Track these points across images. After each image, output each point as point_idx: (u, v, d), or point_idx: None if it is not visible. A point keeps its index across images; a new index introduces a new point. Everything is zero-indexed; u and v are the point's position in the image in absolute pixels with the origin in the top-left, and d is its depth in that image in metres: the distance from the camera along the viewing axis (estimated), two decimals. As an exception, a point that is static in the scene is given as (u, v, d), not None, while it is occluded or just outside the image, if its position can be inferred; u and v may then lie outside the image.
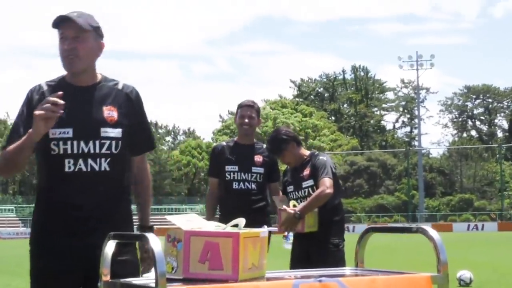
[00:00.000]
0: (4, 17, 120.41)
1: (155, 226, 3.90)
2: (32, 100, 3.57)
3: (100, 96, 3.61)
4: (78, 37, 3.51)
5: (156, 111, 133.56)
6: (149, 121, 3.86)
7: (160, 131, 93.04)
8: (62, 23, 3.49)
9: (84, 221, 3.54)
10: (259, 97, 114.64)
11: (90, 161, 3.53)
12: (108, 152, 3.56)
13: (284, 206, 5.74)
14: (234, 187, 6.29)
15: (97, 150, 3.54)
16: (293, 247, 6.05)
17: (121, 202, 3.69)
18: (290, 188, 5.95)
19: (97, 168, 3.54)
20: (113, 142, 3.57)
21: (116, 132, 3.58)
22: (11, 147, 3.46)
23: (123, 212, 3.71)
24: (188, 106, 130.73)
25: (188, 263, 3.10)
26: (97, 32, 3.62)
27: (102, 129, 3.55)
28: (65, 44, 3.52)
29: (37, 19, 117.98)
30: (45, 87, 3.61)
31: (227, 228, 3.21)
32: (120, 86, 3.70)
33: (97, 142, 3.53)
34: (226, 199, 6.34)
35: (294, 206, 5.75)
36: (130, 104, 3.68)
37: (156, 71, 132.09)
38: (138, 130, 3.72)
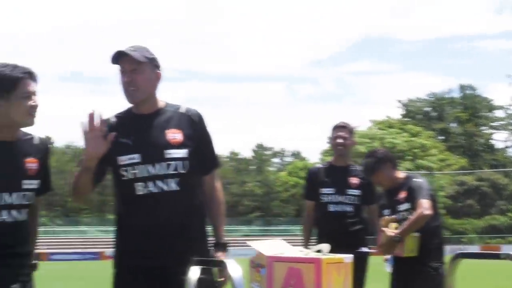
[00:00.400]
0: (110, 47, 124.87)
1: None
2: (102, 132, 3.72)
3: (163, 121, 3.78)
4: (136, 70, 3.72)
5: (263, 133, 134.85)
6: (213, 140, 3.97)
7: (267, 152, 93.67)
8: (120, 57, 3.72)
9: (158, 241, 3.69)
10: (365, 117, 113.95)
11: (159, 182, 3.68)
12: (176, 172, 3.70)
13: (384, 228, 5.63)
14: (330, 209, 6.25)
15: (165, 171, 3.69)
16: (392, 270, 5.93)
17: (193, 220, 3.81)
18: (386, 212, 5.83)
19: (166, 188, 3.68)
20: (179, 163, 3.72)
21: (182, 153, 3.73)
22: (77, 172, 3.70)
23: (196, 230, 3.83)
24: (294, 127, 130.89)
25: (271, 289, 3.10)
26: (153, 63, 3.80)
27: (166, 151, 3.70)
28: (124, 77, 3.74)
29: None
30: (113, 119, 3.83)
31: (310, 253, 3.18)
32: (183, 110, 3.86)
33: (164, 164, 3.69)
34: (322, 222, 6.30)
35: (396, 228, 5.63)
36: (194, 125, 3.84)
37: (264, 93, 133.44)
38: (204, 150, 3.87)
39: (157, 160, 3.69)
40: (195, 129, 3.83)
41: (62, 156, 79.52)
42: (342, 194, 6.24)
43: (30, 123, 3.63)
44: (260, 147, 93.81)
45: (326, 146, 63.14)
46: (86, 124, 3.58)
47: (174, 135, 3.75)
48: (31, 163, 3.65)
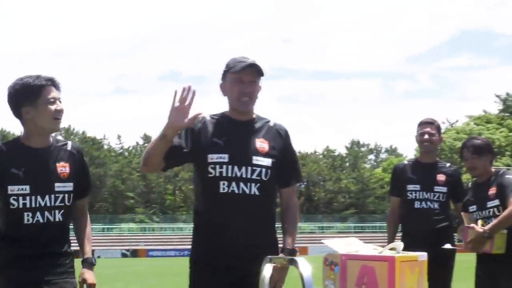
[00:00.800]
0: (209, 46, 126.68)
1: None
2: (195, 126, 3.95)
3: (255, 130, 4.03)
4: (253, 82, 3.99)
5: (358, 130, 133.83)
6: (297, 154, 4.25)
7: (362, 149, 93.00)
8: (246, 68, 3.94)
9: (235, 240, 3.88)
10: (463, 113, 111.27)
11: (242, 184, 3.89)
12: (259, 178, 3.92)
13: (473, 224, 5.50)
14: (416, 206, 6.18)
15: (249, 175, 3.90)
16: (477, 268, 5.78)
17: (267, 225, 4.03)
18: (473, 208, 5.69)
19: (247, 191, 3.89)
20: (263, 170, 3.94)
21: (266, 162, 3.96)
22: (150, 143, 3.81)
23: (269, 234, 4.05)
24: (390, 124, 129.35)
25: (345, 286, 3.10)
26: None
27: (254, 158, 3.94)
28: (244, 87, 3.96)
29: (239, 46, 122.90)
30: (208, 118, 4.03)
31: (384, 251, 3.16)
32: (271, 124, 4.11)
33: (249, 168, 3.91)
34: (407, 219, 6.24)
35: (482, 225, 5.50)
36: (280, 139, 4.08)
37: (359, 90, 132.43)
38: (287, 164, 4.08)
39: (245, 163, 3.91)
40: (280, 142, 4.06)
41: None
42: (428, 191, 6.16)
43: (56, 127, 3.91)
44: (355, 143, 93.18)
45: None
46: (178, 95, 3.70)
47: (262, 144, 3.98)
48: (63, 167, 3.92)
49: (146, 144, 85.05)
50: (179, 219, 74.37)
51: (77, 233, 4.22)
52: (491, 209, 5.54)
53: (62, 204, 3.91)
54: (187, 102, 3.69)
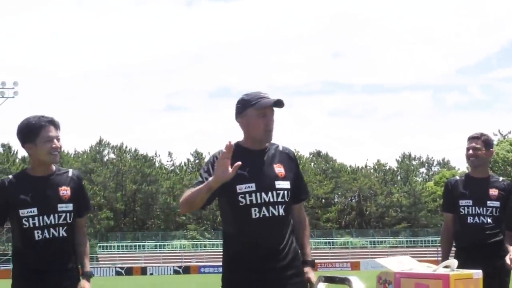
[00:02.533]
0: (259, 61, 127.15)
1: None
2: (215, 162, 4.21)
3: (270, 157, 4.41)
4: (273, 115, 4.37)
5: (409, 143, 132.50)
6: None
7: (414, 162, 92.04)
8: (274, 104, 4.31)
9: (268, 258, 4.21)
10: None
11: (270, 208, 4.27)
12: (283, 200, 4.32)
13: None
14: (468, 221, 6.11)
15: (275, 199, 4.30)
16: None
17: (292, 241, 4.37)
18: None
19: (276, 213, 4.28)
20: (286, 192, 4.34)
21: (286, 184, 4.36)
22: (193, 189, 4.15)
23: (295, 249, 4.37)
24: (441, 137, 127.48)
25: (399, 305, 3.08)
26: None
27: (277, 182, 4.33)
28: (268, 121, 4.33)
29: (290, 61, 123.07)
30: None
31: (438, 269, 3.14)
32: (280, 148, 4.49)
33: (274, 193, 4.30)
34: (461, 234, 6.17)
35: None
36: (291, 162, 4.48)
37: (409, 102, 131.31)
38: (298, 183, 4.48)
39: (270, 189, 4.28)
40: (292, 165, 4.47)
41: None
42: (481, 205, 6.09)
43: (53, 161, 4.61)
44: (407, 157, 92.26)
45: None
46: (224, 152, 3.99)
47: (280, 169, 4.36)
48: (65, 191, 4.65)
49: (197, 161, 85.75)
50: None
51: (76, 249, 4.78)
52: None
53: (65, 221, 4.62)
54: (229, 156, 3.97)
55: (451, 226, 6.27)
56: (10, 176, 4.71)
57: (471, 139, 6.21)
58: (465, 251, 6.01)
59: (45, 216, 4.55)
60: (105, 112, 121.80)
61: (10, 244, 64.12)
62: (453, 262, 3.16)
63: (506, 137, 70.15)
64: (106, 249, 68.39)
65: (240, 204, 4.24)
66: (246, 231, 4.24)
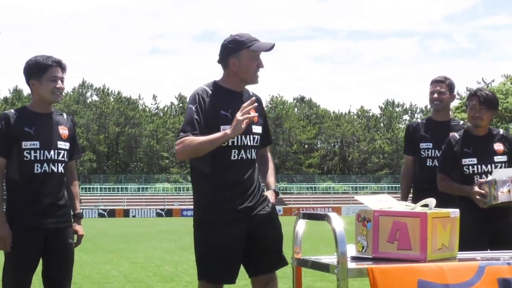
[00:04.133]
0: (246, 5, 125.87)
1: None
2: (204, 101, 4.34)
3: (246, 100, 4.37)
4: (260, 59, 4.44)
5: (393, 90, 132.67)
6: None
7: (397, 109, 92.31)
8: (269, 49, 4.37)
9: (242, 198, 4.36)
10: (499, 72, 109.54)
11: (248, 151, 4.38)
12: (256, 144, 4.46)
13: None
14: (428, 164, 6.14)
15: (251, 143, 4.41)
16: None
17: (260, 183, 4.55)
18: (471, 161, 5.49)
19: (250, 157, 4.41)
20: (259, 137, 4.48)
21: (259, 129, 4.49)
22: (203, 139, 4.22)
23: (262, 190, 4.56)
24: (426, 84, 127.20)
25: (377, 242, 3.14)
26: None
27: (253, 127, 4.42)
28: (259, 63, 4.41)
29: (276, 5, 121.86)
30: (209, 91, 4.40)
31: (416, 208, 3.19)
32: (251, 93, 4.55)
33: (251, 137, 4.41)
34: (419, 176, 6.21)
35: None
36: (261, 107, 4.56)
37: (394, 49, 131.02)
38: (266, 128, 4.62)
39: (248, 133, 4.36)
40: (261, 110, 4.55)
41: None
42: (440, 149, 6.12)
43: (54, 100, 4.72)
44: (390, 104, 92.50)
45: (456, 102, 61.43)
46: (246, 109, 4.22)
47: (254, 113, 4.34)
48: (64, 130, 4.79)
49: (181, 105, 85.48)
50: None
51: (68, 191, 4.90)
52: (499, 164, 5.43)
53: (63, 159, 4.75)
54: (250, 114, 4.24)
55: (411, 169, 6.30)
56: (12, 110, 4.78)
57: (435, 82, 6.19)
58: (423, 193, 5.97)
59: (46, 151, 4.64)
60: (89, 53, 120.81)
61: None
62: (431, 201, 3.21)
63: (489, 85, 70.30)
64: (89, 191, 68.56)
65: (223, 145, 4.27)
66: (224, 172, 4.32)
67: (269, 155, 4.75)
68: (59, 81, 4.67)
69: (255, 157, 4.45)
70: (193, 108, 4.32)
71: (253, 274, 4.48)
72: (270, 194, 4.53)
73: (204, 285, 4.37)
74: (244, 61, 4.36)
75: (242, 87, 4.48)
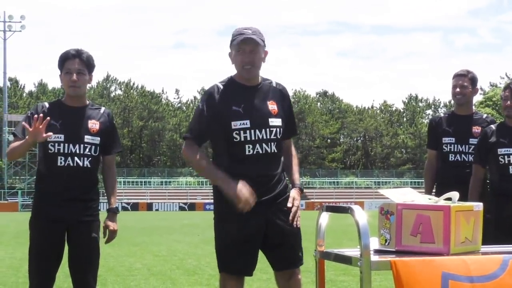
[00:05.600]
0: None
1: None
2: (212, 99, 4.38)
3: (264, 93, 4.44)
4: (253, 51, 4.34)
5: (417, 85, 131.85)
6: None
7: (420, 104, 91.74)
8: (243, 41, 4.31)
9: (261, 189, 4.32)
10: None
11: (264, 145, 4.35)
12: (275, 137, 4.39)
13: None
14: (450, 159, 6.12)
15: (268, 136, 4.36)
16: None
17: (283, 177, 4.50)
18: (507, 150, 5.53)
19: (269, 150, 4.36)
20: (278, 130, 4.41)
21: (279, 122, 4.41)
22: (208, 170, 4.45)
23: (285, 185, 4.53)
24: (449, 78, 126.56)
25: (400, 235, 3.14)
26: (264, 44, 4.41)
27: (270, 120, 4.37)
28: (244, 57, 4.33)
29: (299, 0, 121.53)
30: (220, 87, 4.43)
31: (440, 201, 3.19)
32: (274, 84, 4.51)
33: (268, 130, 4.36)
34: (442, 171, 6.18)
35: None
36: (284, 99, 4.52)
37: (418, 44, 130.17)
38: (290, 119, 4.55)
39: (263, 126, 4.34)
40: (285, 102, 4.51)
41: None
42: (463, 143, 6.08)
43: (71, 93, 4.72)
44: (413, 98, 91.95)
45: (480, 97, 60.98)
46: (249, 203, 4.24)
47: (273, 106, 4.40)
48: (94, 124, 4.76)
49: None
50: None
51: (104, 186, 4.97)
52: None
53: (90, 153, 4.71)
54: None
55: (435, 163, 6.28)
56: (46, 103, 4.84)
57: (458, 76, 6.16)
58: (446, 187, 5.97)
59: (70, 145, 4.65)
60: (113, 47, 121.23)
61: (17, 177, 64.70)
62: (454, 194, 3.20)
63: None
64: (112, 184, 68.83)
65: (235, 140, 4.31)
66: (240, 166, 4.32)
67: (292, 148, 4.70)
68: (74, 73, 4.66)
69: (275, 150, 4.39)
70: (200, 108, 4.41)
71: (275, 269, 4.52)
72: (295, 193, 4.45)
73: (224, 277, 4.41)
74: (233, 55, 4.41)
75: (251, 81, 4.43)
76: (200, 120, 4.41)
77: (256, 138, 4.32)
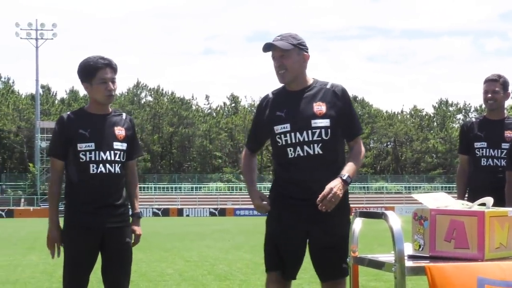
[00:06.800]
0: (298, 5, 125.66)
1: None
2: (261, 107, 4.54)
3: (311, 96, 4.41)
4: (283, 56, 4.36)
5: (447, 89, 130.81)
6: (355, 111, 4.60)
7: (451, 108, 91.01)
8: (268, 48, 4.38)
9: (303, 196, 4.32)
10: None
11: (305, 147, 4.32)
12: (319, 138, 4.32)
13: None
14: (482, 163, 6.08)
15: (310, 138, 4.32)
16: None
17: (329, 178, 4.29)
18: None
19: (311, 152, 4.32)
20: (323, 130, 4.33)
21: (325, 122, 4.33)
22: (245, 176, 4.80)
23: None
24: (480, 83, 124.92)
25: (434, 241, 3.14)
26: (299, 47, 4.40)
27: (313, 121, 4.33)
28: (275, 62, 4.40)
29: (328, 5, 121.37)
30: (270, 95, 4.54)
31: (473, 207, 3.18)
32: (329, 86, 4.45)
33: (310, 132, 4.32)
34: (474, 176, 6.15)
35: None
36: (337, 99, 4.41)
37: (448, 48, 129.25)
38: (345, 119, 4.41)
39: (304, 128, 4.32)
40: (337, 102, 4.39)
41: (247, 115, 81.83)
42: (495, 148, 6.03)
43: (106, 101, 4.77)
44: (444, 103, 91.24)
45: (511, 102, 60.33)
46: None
47: (319, 107, 4.35)
48: (120, 130, 4.82)
49: (233, 105, 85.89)
50: (266, 179, 74.83)
51: (127, 191, 4.97)
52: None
53: (119, 159, 4.77)
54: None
55: (467, 168, 6.25)
56: (69, 112, 4.87)
57: (489, 81, 6.12)
58: (478, 192, 5.94)
59: (101, 152, 4.69)
60: (143, 54, 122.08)
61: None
62: (488, 199, 3.20)
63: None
64: (143, 190, 69.29)
65: (278, 144, 4.38)
66: (283, 171, 4.40)
67: (357, 146, 4.51)
68: (110, 83, 4.70)
69: (319, 152, 4.29)
70: (253, 117, 4.66)
71: (319, 279, 4.49)
72: (333, 182, 4.19)
73: (267, 277, 4.47)
74: (273, 62, 4.46)
75: (295, 85, 4.44)
76: (252, 128, 4.67)
77: (297, 140, 4.31)
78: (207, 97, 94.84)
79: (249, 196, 4.53)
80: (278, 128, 4.37)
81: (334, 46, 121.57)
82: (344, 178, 4.24)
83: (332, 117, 4.33)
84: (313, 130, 4.30)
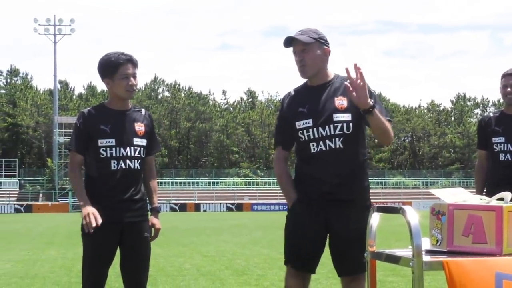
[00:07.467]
0: (314, 0, 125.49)
1: None
2: (283, 105, 4.57)
3: (332, 90, 4.42)
4: (304, 50, 4.37)
5: (465, 83, 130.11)
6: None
7: (468, 103, 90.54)
8: (289, 43, 4.39)
9: (325, 186, 4.35)
10: None
11: (327, 141, 4.33)
12: (341, 132, 4.33)
13: None
14: (501, 158, 6.05)
15: (332, 132, 4.33)
16: None
17: (356, 173, 4.41)
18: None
19: (333, 146, 4.34)
20: (345, 125, 4.33)
21: (347, 116, 4.34)
22: (281, 181, 4.60)
23: (358, 181, 4.45)
24: (498, 77, 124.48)
25: (452, 236, 3.13)
26: (320, 41, 4.40)
27: (335, 115, 4.33)
28: (296, 57, 4.41)
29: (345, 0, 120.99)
30: (292, 92, 4.57)
31: (491, 201, 3.17)
32: (341, 80, 4.42)
33: (331, 126, 4.33)
34: (493, 171, 6.12)
35: None
36: None
37: (465, 42, 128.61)
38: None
39: (326, 122, 4.33)
40: None
41: (264, 110, 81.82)
42: None
43: (128, 97, 4.81)
44: (461, 97, 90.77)
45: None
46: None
47: (341, 101, 4.35)
48: (140, 126, 4.86)
49: (250, 100, 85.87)
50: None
51: (146, 186, 5.03)
52: None
53: (139, 155, 4.82)
54: None
55: (485, 163, 6.22)
56: (89, 108, 4.90)
57: (507, 75, 6.08)
58: (497, 187, 5.92)
59: (121, 148, 4.73)
60: (160, 49, 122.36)
61: (68, 178, 65.66)
62: (507, 194, 3.18)
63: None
64: (160, 185, 69.54)
65: (301, 140, 4.40)
66: (305, 165, 4.43)
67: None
68: (131, 78, 4.74)
69: (340, 145, 4.30)
70: (279, 116, 4.65)
71: (338, 274, 4.52)
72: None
73: (287, 270, 4.50)
74: (294, 57, 4.47)
75: (317, 80, 4.45)
76: (277, 124, 4.65)
77: (319, 135, 4.33)
78: (224, 92, 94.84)
79: (285, 200, 4.58)
80: (300, 124, 4.38)
81: (351, 41, 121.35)
82: (372, 102, 4.17)
83: (353, 111, 4.32)
84: (335, 125, 4.31)
